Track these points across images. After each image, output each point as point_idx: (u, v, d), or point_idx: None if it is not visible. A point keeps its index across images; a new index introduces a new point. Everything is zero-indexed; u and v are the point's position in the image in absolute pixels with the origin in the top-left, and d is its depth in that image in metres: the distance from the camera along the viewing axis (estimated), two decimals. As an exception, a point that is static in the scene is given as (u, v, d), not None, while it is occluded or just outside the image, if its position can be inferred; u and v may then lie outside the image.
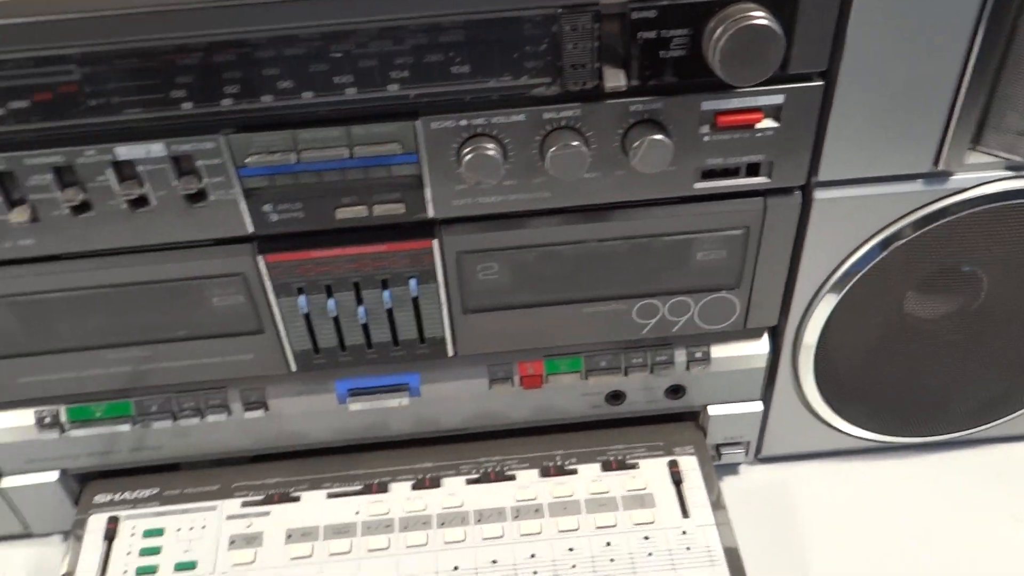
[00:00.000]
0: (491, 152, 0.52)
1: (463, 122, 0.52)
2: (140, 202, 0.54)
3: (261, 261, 0.57)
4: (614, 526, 0.66)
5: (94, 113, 0.49)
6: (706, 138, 0.54)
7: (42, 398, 0.64)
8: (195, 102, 0.50)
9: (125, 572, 0.64)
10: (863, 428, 0.72)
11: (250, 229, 0.56)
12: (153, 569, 0.64)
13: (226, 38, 0.48)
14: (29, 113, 0.49)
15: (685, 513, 0.66)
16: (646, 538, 0.65)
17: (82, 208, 0.53)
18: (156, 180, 0.53)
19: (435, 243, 0.58)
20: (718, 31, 0.47)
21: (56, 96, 0.49)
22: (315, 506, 0.68)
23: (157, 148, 0.51)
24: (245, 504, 0.68)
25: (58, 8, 0.47)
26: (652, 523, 0.66)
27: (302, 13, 0.48)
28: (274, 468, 0.71)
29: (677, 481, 0.68)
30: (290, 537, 0.66)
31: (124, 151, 0.51)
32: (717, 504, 0.67)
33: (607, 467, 0.69)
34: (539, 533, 0.65)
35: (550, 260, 0.60)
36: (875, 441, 0.74)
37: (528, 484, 0.69)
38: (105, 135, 0.51)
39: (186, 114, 0.50)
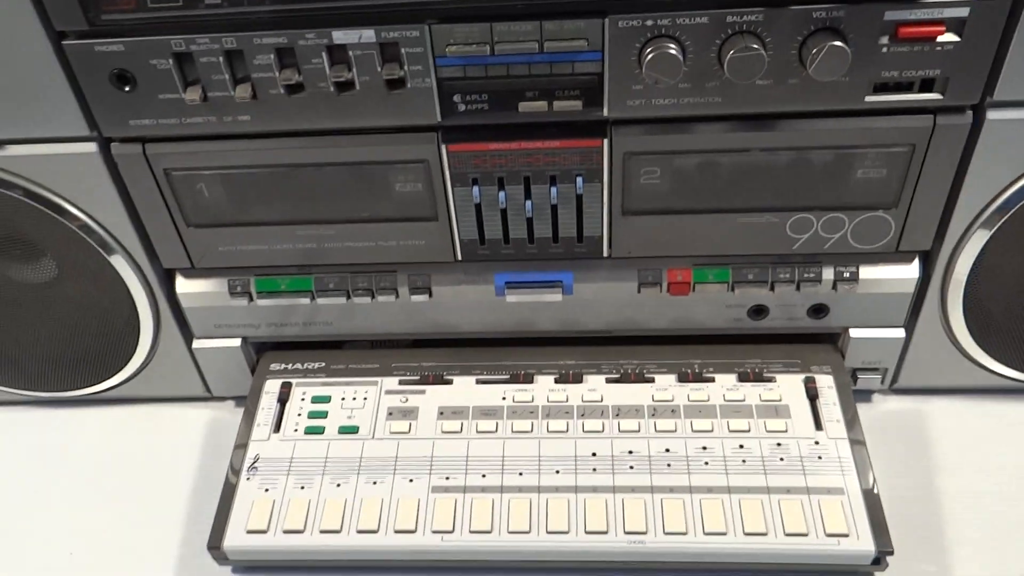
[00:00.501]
0: (672, 51, 0.55)
1: (648, 22, 0.55)
2: (346, 86, 0.59)
3: (444, 150, 0.63)
4: (747, 431, 0.69)
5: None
6: (884, 49, 0.55)
7: (236, 268, 0.72)
8: (407, -8, 0.55)
9: (296, 429, 0.72)
10: (1009, 366, 0.73)
11: (438, 118, 0.61)
12: (320, 429, 0.72)
13: (440, -66, 0.53)
14: (262, -4, 0.56)
15: (819, 426, 0.69)
16: (778, 444, 0.68)
17: (295, 89, 0.60)
18: (363, 65, 0.58)
19: (605, 142, 0.62)
20: (913, -64, 0.49)
21: (286, -19, 0.55)
22: (466, 389, 0.74)
23: (368, 34, 0.57)
24: (402, 382, 0.75)
25: (295, -101, 0.53)
26: (785, 432, 0.68)
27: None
28: (428, 354, 0.77)
29: (812, 396, 0.71)
30: (442, 414, 0.72)
31: (340, 35, 0.57)
32: (851, 421, 0.69)
33: (743, 378, 0.72)
34: (674, 431, 0.69)
35: (711, 167, 0.63)
36: (1019, 381, 0.74)
37: (666, 387, 0.72)
38: (324, 19, 0.56)
39: (397, 3, 0.55)
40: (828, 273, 0.69)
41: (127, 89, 0.60)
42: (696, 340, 0.76)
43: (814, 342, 0.75)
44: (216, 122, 0.61)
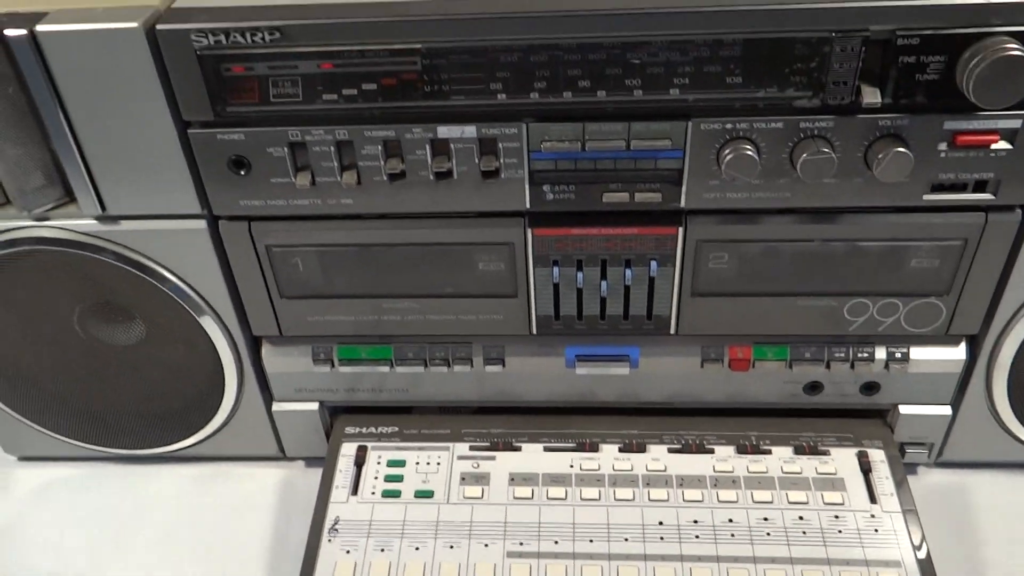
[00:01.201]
0: (750, 152, 0.60)
1: (728, 125, 0.61)
2: (444, 175, 0.64)
3: (529, 234, 0.67)
4: (806, 503, 0.72)
5: (426, 97, 0.61)
6: (943, 154, 0.60)
7: (320, 336, 0.76)
8: (508, 94, 0.60)
9: (373, 492, 0.75)
10: (1049, 443, 0.76)
11: (527, 205, 0.66)
12: (397, 493, 0.75)
13: (543, 42, 0.58)
14: (375, 94, 0.61)
15: (873, 499, 0.72)
16: (836, 517, 0.71)
17: (397, 176, 0.65)
18: (462, 157, 0.63)
19: (680, 231, 0.66)
20: (974, 60, 0.54)
21: (399, 82, 0.60)
22: (534, 456, 0.77)
23: (470, 130, 0.62)
24: (473, 448, 0.78)
25: (411, 12, 0.59)
26: (842, 504, 0.72)
27: (607, 25, 0.58)
28: (496, 421, 0.81)
29: (866, 470, 0.74)
30: (513, 480, 0.76)
31: (444, 131, 0.62)
32: (904, 495, 0.72)
33: (799, 451, 0.76)
34: (736, 501, 0.73)
35: (776, 254, 0.68)
36: (1059, 458, 0.77)
37: (726, 458, 0.76)
38: (430, 116, 0.62)
39: (499, 103, 0.60)
40: (881, 353, 0.74)
41: (242, 173, 0.65)
42: (751, 412, 0.80)
43: (863, 416, 0.79)
44: (320, 204, 0.66)
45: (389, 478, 0.77)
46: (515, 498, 0.74)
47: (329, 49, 0.59)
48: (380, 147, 0.63)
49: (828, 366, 0.74)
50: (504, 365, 0.76)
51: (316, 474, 0.84)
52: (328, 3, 0.61)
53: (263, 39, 0.58)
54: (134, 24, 0.59)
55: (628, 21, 0.57)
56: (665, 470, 0.75)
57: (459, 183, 0.65)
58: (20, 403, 0.83)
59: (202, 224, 0.69)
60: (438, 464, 0.77)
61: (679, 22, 0.57)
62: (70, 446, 0.86)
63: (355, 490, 0.76)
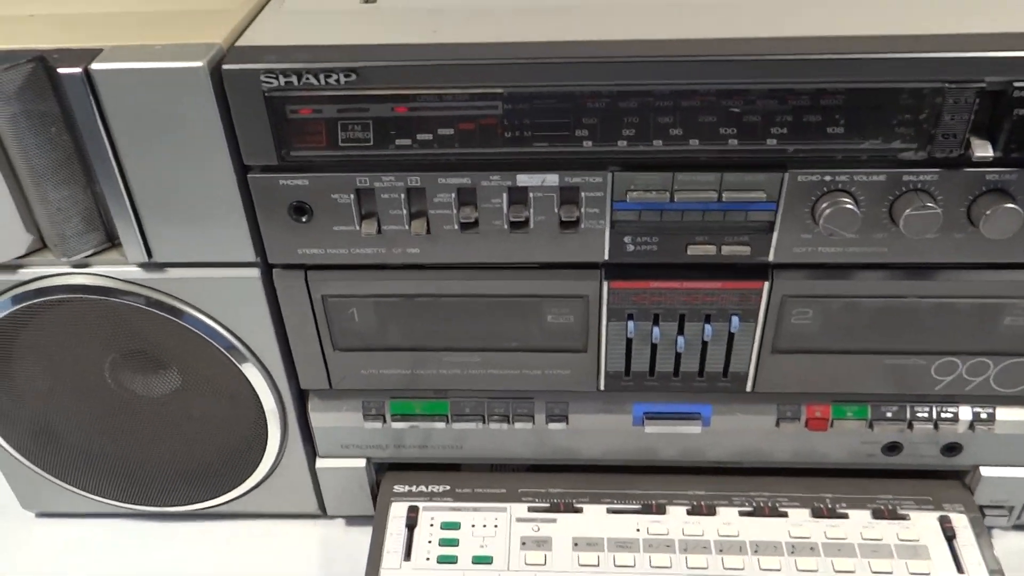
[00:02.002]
0: (850, 206, 0.57)
1: (827, 177, 0.57)
2: (519, 224, 0.61)
3: (605, 286, 0.64)
4: (890, 573, 0.68)
5: (506, 143, 0.57)
6: (1051, 210, 0.58)
7: (371, 390, 0.72)
8: (594, 141, 0.57)
9: (427, 558, 0.70)
10: None
11: (605, 257, 0.62)
12: (453, 559, 0.70)
13: (634, 89, 0.55)
14: (452, 140, 0.57)
15: (960, 568, 0.68)
16: (923, 588, 0.67)
17: (469, 225, 0.61)
18: (541, 206, 0.60)
19: (766, 285, 0.63)
20: (1097, 114, 0.51)
21: (478, 127, 0.57)
22: (597, 518, 0.73)
23: (552, 179, 0.58)
24: (532, 509, 0.74)
25: (495, 54, 0.56)
26: (928, 574, 0.68)
27: (703, 72, 0.55)
28: (553, 479, 0.76)
29: (949, 536, 0.70)
30: (576, 545, 0.71)
31: (524, 179, 0.58)
32: (993, 566, 0.69)
33: (878, 515, 0.72)
34: (816, 571, 0.68)
35: (865, 310, 0.64)
36: None
37: (801, 522, 0.72)
38: (510, 164, 0.58)
39: (584, 151, 0.57)
40: (966, 413, 0.70)
41: (303, 220, 0.61)
42: (821, 472, 0.76)
43: (939, 477, 0.76)
44: (384, 253, 0.62)
45: (444, 542, 0.72)
46: (580, 565, 0.70)
47: (406, 92, 0.55)
48: (454, 195, 0.59)
49: (910, 426, 0.70)
50: (567, 422, 0.72)
51: (359, 533, 0.80)
52: (402, 43, 0.57)
53: (337, 81, 0.55)
54: (199, 63, 0.55)
55: (726, 68, 0.54)
56: (738, 535, 0.71)
57: (535, 233, 0.61)
58: (43, 457, 0.78)
59: (255, 273, 0.65)
60: (495, 527, 0.73)
61: (780, 70, 0.54)
62: (93, 502, 0.81)
63: (408, 555, 0.71)
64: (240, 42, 0.58)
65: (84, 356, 0.71)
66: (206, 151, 0.58)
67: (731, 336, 0.66)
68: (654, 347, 0.67)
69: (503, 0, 0.63)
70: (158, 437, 0.76)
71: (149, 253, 0.64)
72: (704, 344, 0.67)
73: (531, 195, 0.59)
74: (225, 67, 0.55)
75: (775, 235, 0.60)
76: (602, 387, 0.70)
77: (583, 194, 0.59)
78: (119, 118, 0.57)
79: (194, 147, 0.58)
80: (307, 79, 0.55)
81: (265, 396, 0.71)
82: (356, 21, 0.61)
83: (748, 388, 0.69)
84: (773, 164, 0.57)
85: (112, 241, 0.66)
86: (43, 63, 0.57)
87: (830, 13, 0.59)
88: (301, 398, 0.73)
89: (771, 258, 0.61)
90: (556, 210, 0.60)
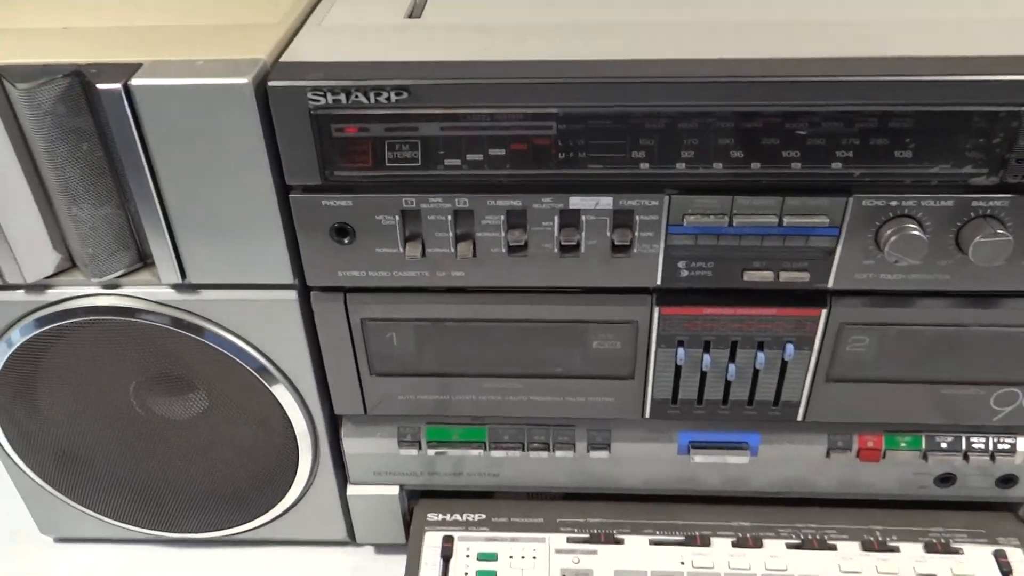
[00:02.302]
0: (916, 232, 0.55)
1: (892, 202, 0.55)
2: (570, 248, 0.59)
3: (656, 312, 0.62)
4: (945, 610, 0.66)
5: (560, 165, 0.55)
6: (1126, 238, 0.55)
7: (409, 416, 0.70)
8: (652, 163, 0.55)
9: (465, 590, 0.69)
10: None
11: (657, 282, 0.60)
12: (492, 591, 0.68)
13: (694, 110, 0.53)
14: (503, 160, 0.55)
15: (1018, 606, 0.66)
16: (981, 626, 0.65)
17: (518, 248, 0.59)
18: (593, 230, 0.58)
19: (823, 312, 0.61)
20: None
21: (531, 147, 0.55)
22: (640, 550, 0.70)
23: (606, 201, 0.56)
24: (571, 540, 0.71)
25: (549, 73, 0.53)
26: (986, 612, 0.66)
27: (766, 94, 0.52)
28: (592, 508, 0.74)
29: (1005, 572, 0.68)
30: (619, 577, 0.69)
31: (577, 201, 0.56)
32: (1052, 601, 0.66)
33: (930, 548, 0.69)
34: (868, 607, 0.66)
35: (924, 339, 0.62)
36: None
37: (851, 556, 0.69)
38: (563, 185, 0.56)
39: (641, 173, 0.55)
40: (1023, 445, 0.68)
41: (345, 241, 0.59)
42: (869, 503, 0.74)
43: (991, 509, 0.73)
44: (428, 276, 0.60)
45: (481, 573, 0.69)
46: (624, 599, 0.68)
47: (457, 111, 0.53)
48: (503, 217, 0.57)
49: (966, 457, 0.68)
50: (610, 450, 0.70)
51: (389, 561, 0.77)
52: (453, 60, 0.56)
53: (388, 99, 0.53)
54: (243, 80, 0.53)
55: (790, 90, 0.52)
56: (786, 570, 0.69)
57: (585, 257, 0.59)
58: (66, 482, 0.75)
59: (292, 295, 0.63)
60: (534, 558, 0.70)
61: (847, 92, 0.52)
62: (115, 528, 0.78)
63: (444, 587, 0.69)
64: (284, 58, 0.56)
65: (110, 379, 0.69)
66: (247, 170, 0.56)
67: (784, 364, 0.64)
68: (703, 375, 0.65)
69: (552, 16, 0.62)
70: (184, 461, 0.73)
71: (183, 274, 0.62)
72: (756, 372, 0.64)
73: (583, 218, 0.57)
74: (271, 84, 0.53)
75: (836, 261, 0.58)
76: (647, 415, 0.67)
77: (637, 217, 0.57)
78: (158, 135, 0.55)
79: (234, 165, 0.56)
80: (356, 97, 0.52)
81: (297, 420, 0.69)
82: (402, 37, 0.59)
83: (799, 417, 0.67)
84: (837, 188, 0.55)
85: (144, 261, 0.64)
86: (80, 78, 0.55)
87: (899, 33, 0.57)
88: (334, 423, 0.71)
89: (830, 284, 0.59)
90: (608, 234, 0.58)
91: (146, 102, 0.54)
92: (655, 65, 0.54)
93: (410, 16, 0.63)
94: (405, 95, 0.53)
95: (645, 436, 0.70)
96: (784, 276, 0.59)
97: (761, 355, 0.63)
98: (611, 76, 0.53)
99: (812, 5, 0.62)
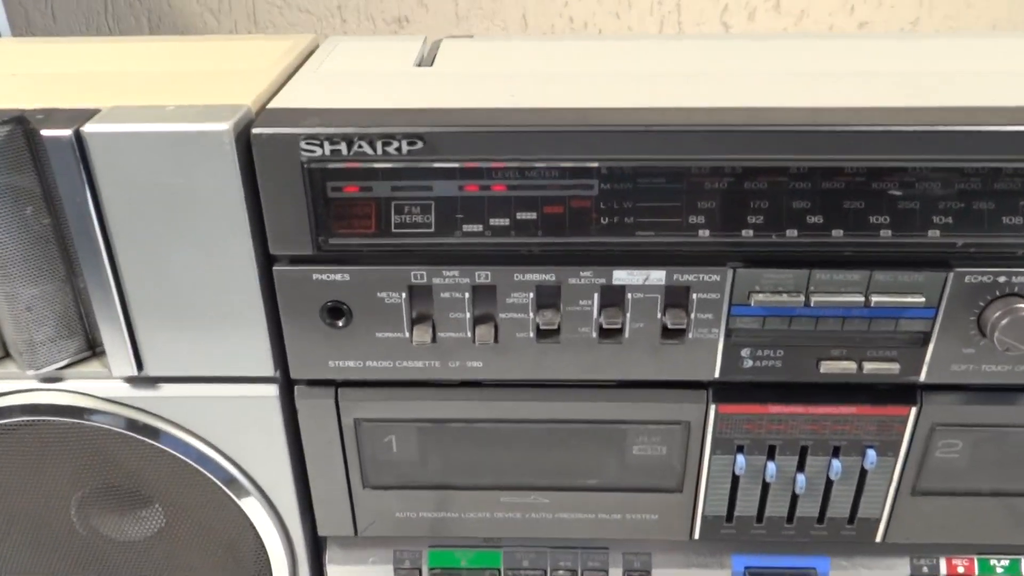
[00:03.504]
0: (1031, 314, 0.46)
1: (1000, 278, 0.46)
2: (612, 333, 0.49)
3: (712, 411, 0.52)
4: None
5: (602, 232, 0.46)
6: None
7: (408, 538, 0.58)
8: (712, 230, 0.46)
9: None
10: None
11: (715, 375, 0.50)
12: None
13: (762, 164, 0.45)
14: (534, 226, 0.46)
15: None
16: None
17: (548, 333, 0.49)
18: (640, 310, 0.48)
19: (912, 411, 0.51)
20: None
21: (568, 210, 0.46)
22: None
23: (657, 276, 0.47)
24: None
25: (590, 120, 0.45)
26: None
27: (850, 146, 0.44)
28: (625, 649, 0.62)
29: None
30: None
31: (622, 276, 0.47)
32: None
33: None
34: None
35: (1026, 443, 0.53)
36: None
37: None
38: (605, 257, 0.47)
39: (699, 242, 0.46)
40: None
41: (339, 324, 0.49)
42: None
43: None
44: (439, 367, 0.50)
45: None
46: None
47: (480, 166, 0.45)
48: (531, 295, 0.48)
49: (1075, 586, 0.58)
50: (650, 579, 0.59)
51: None
52: (475, 107, 0.47)
53: (398, 150, 0.44)
54: (223, 126, 0.44)
55: (878, 141, 0.44)
56: None
57: (630, 344, 0.49)
58: (-16, 619, 0.63)
59: (271, 391, 0.52)
60: None
61: (947, 144, 0.44)
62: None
63: None
64: (273, 104, 0.47)
65: (47, 493, 0.57)
66: (223, 237, 0.46)
67: (863, 474, 0.53)
68: (766, 487, 0.54)
69: (583, 64, 0.54)
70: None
71: (140, 365, 0.51)
72: (829, 483, 0.54)
73: (629, 296, 0.48)
74: (256, 131, 0.43)
75: (931, 349, 0.49)
76: (696, 535, 0.56)
77: (694, 296, 0.48)
78: (115, 195, 0.45)
79: (208, 232, 0.46)
80: (359, 147, 0.44)
81: (272, 543, 0.57)
82: (413, 83, 0.51)
83: (878, 537, 0.56)
84: (934, 261, 0.46)
85: (93, 349, 0.53)
86: (23, 125, 0.46)
87: (1007, 77, 0.49)
88: (316, 547, 0.59)
89: (922, 378, 0.50)
90: (659, 315, 0.48)
91: (101, 153, 0.44)
92: (718, 113, 0.45)
93: (419, 65, 0.55)
94: (419, 144, 0.44)
95: (693, 561, 0.58)
96: (868, 368, 0.49)
97: (836, 463, 0.53)
98: (665, 123, 0.45)
99: (908, 55, 0.55)
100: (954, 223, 0.45)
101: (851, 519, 0.55)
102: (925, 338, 0.48)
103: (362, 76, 0.52)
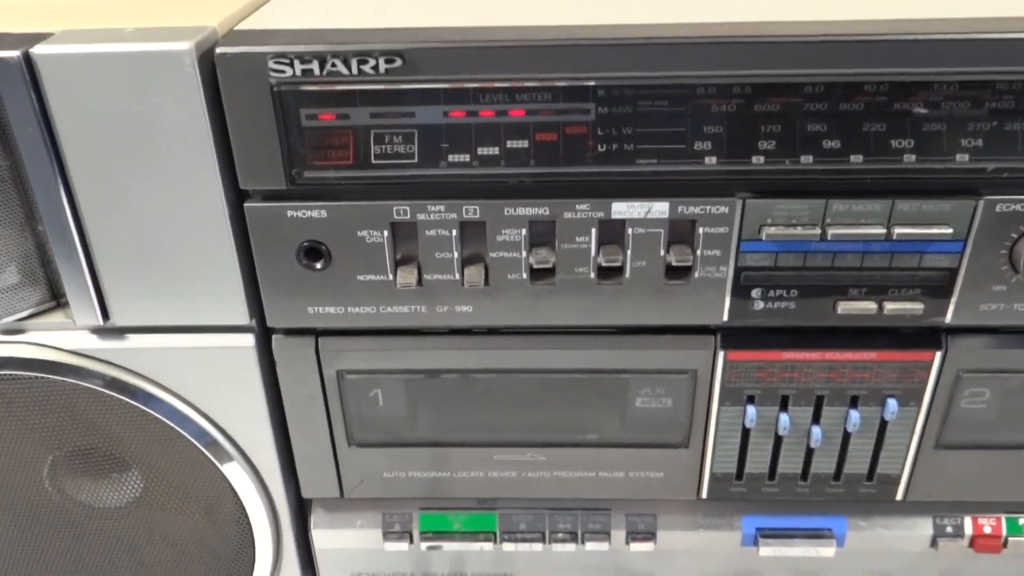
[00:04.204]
0: (1069, 246, 0.43)
1: (1034, 207, 0.43)
2: (611, 272, 0.46)
3: (721, 357, 0.48)
4: None
5: (599, 160, 0.42)
6: None
7: (395, 500, 0.55)
8: (719, 157, 0.42)
9: None
10: None
11: (724, 318, 0.47)
12: None
13: (774, 80, 0.41)
14: (525, 155, 0.42)
15: None
16: None
17: (543, 274, 0.46)
18: (641, 248, 0.44)
19: (938, 355, 0.48)
20: None
21: (561, 138, 0.42)
22: (696, 674, 0.55)
23: (660, 208, 0.43)
24: (606, 660, 0.56)
25: (585, 35, 0.41)
26: None
27: (869, 57, 0.40)
28: (629, 617, 0.59)
29: None
30: None
31: (622, 208, 0.43)
32: None
33: (1070, 667, 0.55)
34: None
35: (1062, 391, 0.49)
36: None
37: None
38: (603, 188, 0.43)
39: (705, 170, 0.42)
40: None
41: (317, 267, 0.45)
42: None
43: None
44: (426, 313, 0.47)
45: None
46: None
47: (466, 85, 0.41)
48: (524, 231, 0.44)
49: (1110, 545, 0.55)
50: (655, 541, 0.55)
51: None
52: (461, 25, 0.44)
53: (375, 69, 0.40)
54: (184, 45, 0.40)
55: (902, 53, 0.40)
56: None
57: (631, 285, 0.46)
58: (-46, 590, 0.60)
59: (247, 340, 0.49)
60: None
61: (976, 54, 0.40)
62: (21, 647, 0.62)
63: None
64: (242, 26, 0.44)
65: (16, 456, 0.54)
66: (189, 172, 0.43)
67: (883, 425, 0.50)
68: (778, 440, 0.51)
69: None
70: (109, 564, 0.58)
71: (106, 314, 0.48)
72: (846, 436, 0.51)
73: (629, 231, 0.44)
74: (219, 50, 0.40)
75: (958, 287, 0.45)
76: (704, 494, 0.53)
77: (700, 230, 0.44)
78: (71, 126, 0.42)
79: (173, 166, 0.43)
80: (333, 65, 0.40)
81: (254, 507, 0.55)
82: (396, 4, 0.47)
83: (899, 495, 0.53)
84: (963, 189, 0.43)
85: (57, 299, 0.50)
86: (-30, 52, 0.43)
87: None
88: (301, 510, 0.56)
89: (948, 319, 0.46)
90: (663, 252, 0.45)
91: (54, 78, 0.41)
92: (724, 27, 0.42)
93: (403, -9, 0.51)
94: (398, 62, 0.40)
95: (701, 522, 0.55)
96: (890, 308, 0.46)
97: (855, 414, 0.49)
98: (666, 36, 0.41)
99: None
100: (984, 146, 0.41)
101: (870, 475, 0.52)
102: (951, 275, 0.45)
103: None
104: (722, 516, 0.55)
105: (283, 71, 0.40)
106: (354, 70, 0.40)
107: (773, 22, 0.41)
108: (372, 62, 0.40)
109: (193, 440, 0.51)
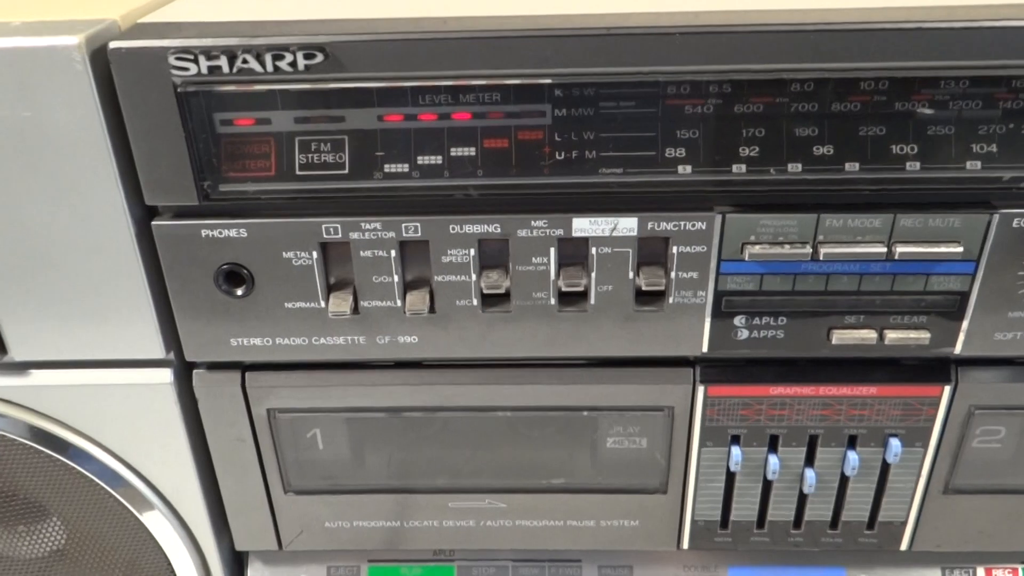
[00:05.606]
0: (1097, 266, 0.37)
1: (1057, 221, 0.38)
2: (573, 298, 0.40)
3: (700, 393, 0.43)
4: None
5: (557, 170, 0.37)
6: None
7: (340, 551, 0.49)
8: (695, 165, 0.37)
9: None
10: None
11: (703, 349, 0.41)
12: None
13: (755, 76, 0.35)
14: (472, 164, 0.37)
15: None
16: None
17: (495, 300, 0.40)
18: (607, 270, 0.39)
19: (946, 390, 0.42)
20: None
21: (514, 144, 0.37)
22: None
23: (627, 224, 0.38)
24: None
25: (541, 25, 0.36)
26: None
27: (866, 49, 0.35)
28: None
29: None
30: None
31: (583, 225, 0.38)
32: None
33: None
34: None
35: (1085, 429, 0.44)
36: None
37: None
38: (562, 201, 0.38)
39: (679, 180, 0.37)
40: None
41: (238, 293, 0.40)
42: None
43: None
44: (364, 345, 0.41)
45: None
46: None
47: (402, 84, 0.36)
48: (472, 252, 0.39)
49: None
50: (631, 597, 0.50)
51: None
52: (395, 17, 0.38)
53: (293, 65, 0.35)
54: (72, 40, 0.35)
55: (907, 43, 0.35)
56: None
57: (597, 312, 0.40)
58: None
59: (165, 376, 0.43)
60: None
61: (989, 46, 0.35)
62: None
63: None
64: (148, 19, 0.39)
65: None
66: (87, 185, 0.37)
67: (885, 468, 0.45)
68: (767, 485, 0.46)
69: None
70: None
71: (3, 348, 0.43)
72: (844, 480, 0.45)
73: (593, 251, 0.39)
74: (112, 45, 0.34)
75: (969, 313, 0.40)
76: (685, 544, 0.48)
77: (675, 249, 0.39)
78: (-50, 132, 0.37)
79: (68, 178, 0.37)
80: (244, 62, 0.35)
81: (180, 561, 0.49)
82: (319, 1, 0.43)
83: (903, 545, 0.47)
84: (974, 201, 0.38)
85: (-50, 331, 0.45)
86: None
87: None
88: (238, 563, 0.51)
89: (958, 350, 0.41)
90: (632, 275, 0.39)
91: (-74, 77, 0.36)
92: (699, 16, 0.36)
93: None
94: (319, 58, 0.35)
95: (682, 575, 0.50)
96: (892, 337, 0.40)
97: (853, 455, 0.44)
98: (631, 26, 0.35)
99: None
100: (998, 152, 0.36)
101: (871, 523, 0.47)
102: (962, 300, 0.39)
103: (264, -7, 0.43)
104: (706, 568, 0.49)
105: (186, 69, 0.35)
106: (268, 67, 0.35)
107: (755, 10, 0.36)
108: (289, 58, 0.34)
109: (106, 487, 0.46)
